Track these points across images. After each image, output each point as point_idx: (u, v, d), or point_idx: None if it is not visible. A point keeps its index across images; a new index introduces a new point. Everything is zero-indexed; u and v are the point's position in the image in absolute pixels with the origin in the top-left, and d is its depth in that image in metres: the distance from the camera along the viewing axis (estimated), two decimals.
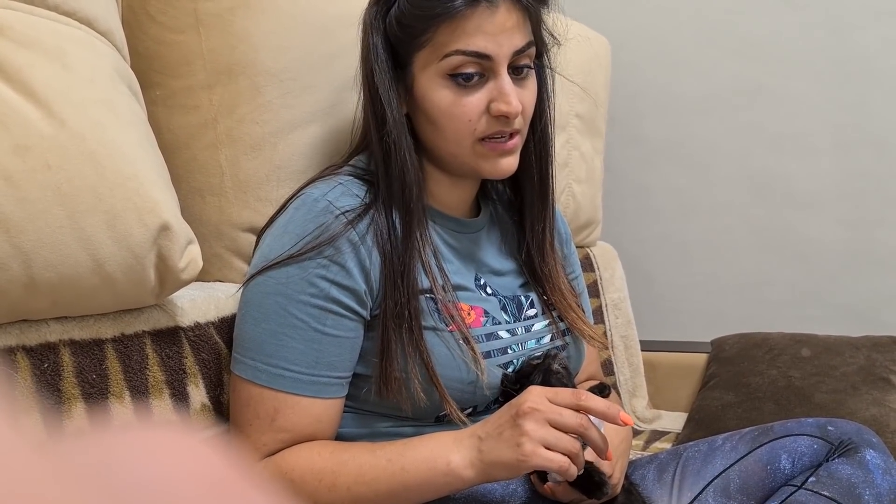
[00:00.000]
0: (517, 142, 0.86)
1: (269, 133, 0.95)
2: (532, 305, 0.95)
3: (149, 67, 0.92)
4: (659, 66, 1.89)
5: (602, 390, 0.83)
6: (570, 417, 0.71)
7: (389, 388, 0.80)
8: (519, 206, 0.98)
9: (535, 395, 0.73)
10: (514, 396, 0.75)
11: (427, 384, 0.80)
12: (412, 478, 0.75)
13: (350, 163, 0.91)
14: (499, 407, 0.77)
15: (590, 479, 0.78)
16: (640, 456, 1.08)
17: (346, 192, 0.84)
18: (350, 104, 1.02)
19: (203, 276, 0.94)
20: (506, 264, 0.96)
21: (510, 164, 0.86)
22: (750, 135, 1.82)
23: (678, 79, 1.87)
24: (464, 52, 0.80)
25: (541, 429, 0.70)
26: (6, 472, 0.16)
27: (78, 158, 0.67)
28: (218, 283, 0.97)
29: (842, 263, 1.76)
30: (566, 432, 0.71)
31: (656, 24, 1.89)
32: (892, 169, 1.70)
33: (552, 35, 0.90)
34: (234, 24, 0.92)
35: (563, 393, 0.73)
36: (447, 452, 0.74)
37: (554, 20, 0.89)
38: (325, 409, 0.81)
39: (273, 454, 0.80)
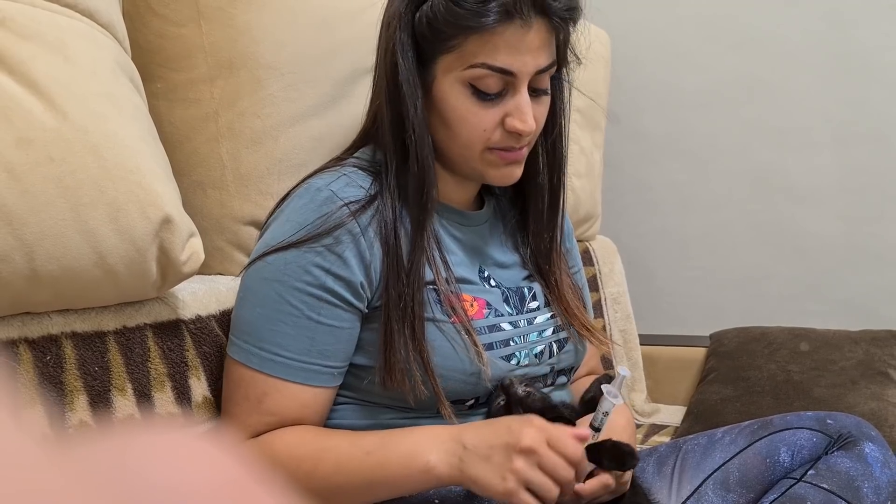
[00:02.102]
0: (525, 152, 0.87)
1: (270, 126, 0.95)
2: (535, 298, 0.95)
3: (150, 60, 0.92)
4: (659, 61, 1.89)
5: (608, 381, 0.83)
6: (563, 471, 0.71)
7: (393, 379, 0.80)
8: (521, 207, 0.98)
9: (535, 434, 0.72)
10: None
11: (426, 376, 0.81)
12: (389, 473, 0.75)
13: (355, 155, 0.91)
14: (501, 398, 0.77)
15: (618, 451, 0.79)
16: (639, 449, 1.08)
17: (351, 183, 0.84)
18: (351, 97, 1.02)
19: (204, 270, 0.95)
20: (510, 257, 0.97)
21: (516, 173, 0.87)
22: (750, 130, 1.82)
23: (678, 73, 1.87)
24: (489, 67, 0.79)
25: (530, 471, 0.71)
26: (15, 473, 0.16)
27: (80, 151, 0.67)
28: (219, 276, 0.97)
29: (841, 258, 1.76)
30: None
31: (656, 19, 1.89)
32: (892, 164, 1.70)
33: (575, 54, 0.90)
34: (235, 18, 0.92)
35: (563, 441, 0.72)
36: (426, 451, 0.75)
37: (578, 37, 0.88)
38: (313, 396, 0.81)
39: (258, 435, 0.81)
